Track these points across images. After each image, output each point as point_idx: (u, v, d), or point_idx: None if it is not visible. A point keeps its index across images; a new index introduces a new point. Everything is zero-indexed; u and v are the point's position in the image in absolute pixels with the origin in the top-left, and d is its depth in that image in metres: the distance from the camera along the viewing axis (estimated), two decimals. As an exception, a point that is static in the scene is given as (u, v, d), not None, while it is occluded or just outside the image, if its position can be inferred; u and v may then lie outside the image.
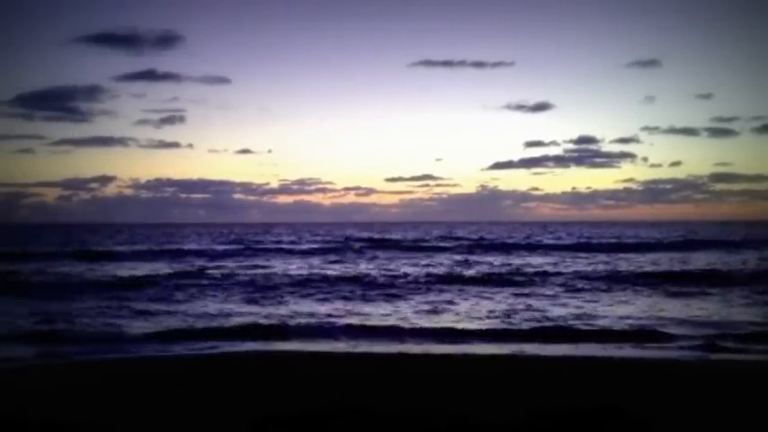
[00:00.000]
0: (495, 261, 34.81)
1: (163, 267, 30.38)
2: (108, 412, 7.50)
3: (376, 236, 68.23)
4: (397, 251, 44.02)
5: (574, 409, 6.75)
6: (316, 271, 28.71)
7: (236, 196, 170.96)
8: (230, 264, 32.76)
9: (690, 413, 7.52)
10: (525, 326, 15.16)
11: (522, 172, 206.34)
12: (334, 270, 29.48)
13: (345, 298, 20.17)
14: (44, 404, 7.83)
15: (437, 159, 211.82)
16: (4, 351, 12.39)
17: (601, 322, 15.65)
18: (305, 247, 48.74)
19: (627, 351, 12.54)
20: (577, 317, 16.29)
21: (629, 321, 15.61)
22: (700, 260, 34.15)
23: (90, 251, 40.27)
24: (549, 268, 29.54)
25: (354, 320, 15.83)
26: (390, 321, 15.82)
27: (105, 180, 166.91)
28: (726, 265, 30.63)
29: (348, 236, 67.22)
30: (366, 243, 52.21)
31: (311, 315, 16.65)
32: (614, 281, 24.31)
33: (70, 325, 15.10)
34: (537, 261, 34.44)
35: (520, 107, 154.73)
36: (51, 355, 12.10)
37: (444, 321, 15.88)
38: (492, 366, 10.73)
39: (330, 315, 16.69)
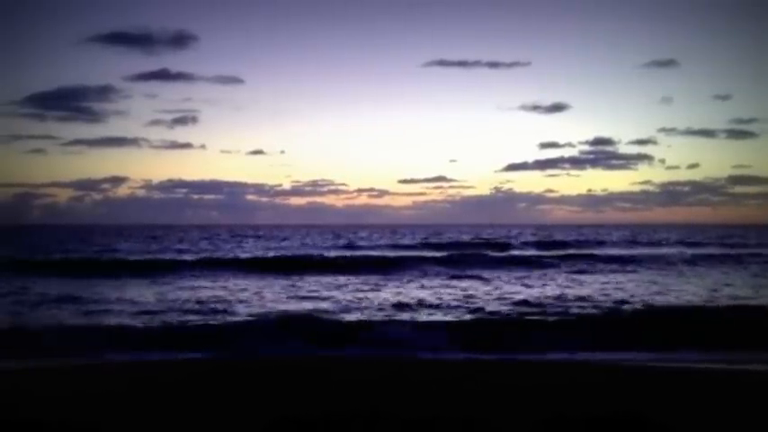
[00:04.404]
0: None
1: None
2: (116, 415, 7.52)
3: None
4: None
5: (592, 416, 6.62)
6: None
7: (249, 197, 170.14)
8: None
9: (714, 422, 7.34)
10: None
11: (537, 174, 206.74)
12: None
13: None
14: (58, 407, 7.81)
15: (451, 161, 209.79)
16: (15, 354, 12.53)
17: None
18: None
19: (648, 357, 12.41)
20: None
21: None
22: None
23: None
24: None
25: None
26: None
27: (117, 181, 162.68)
28: None
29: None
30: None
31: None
32: None
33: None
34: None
35: (535, 108, 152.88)
36: (65, 357, 12.21)
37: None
38: (507, 372, 10.64)
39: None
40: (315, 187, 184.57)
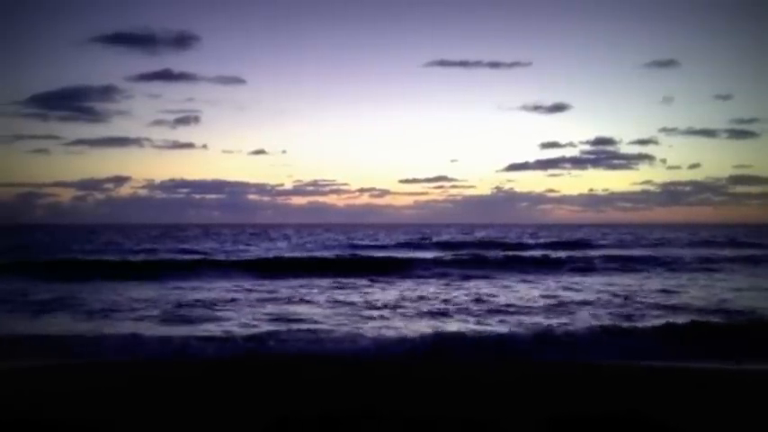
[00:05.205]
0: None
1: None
2: (119, 414, 7.49)
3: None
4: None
5: (593, 416, 6.64)
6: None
7: (251, 197, 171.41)
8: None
9: (714, 422, 7.34)
10: None
11: (539, 173, 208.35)
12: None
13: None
14: (59, 406, 7.79)
15: (452, 160, 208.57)
16: (19, 352, 12.24)
17: None
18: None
19: (649, 357, 12.14)
20: None
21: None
22: None
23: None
24: None
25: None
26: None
27: (120, 180, 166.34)
28: None
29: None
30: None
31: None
32: None
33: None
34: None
35: (536, 108, 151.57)
36: (66, 356, 11.98)
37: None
38: (510, 372, 10.52)
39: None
40: (316, 187, 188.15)
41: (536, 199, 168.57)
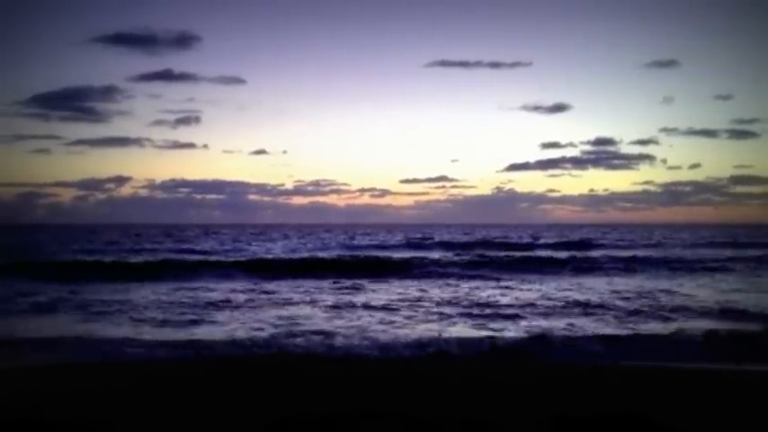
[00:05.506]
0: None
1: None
2: (120, 414, 7.47)
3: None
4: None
5: (595, 416, 6.63)
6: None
7: (251, 197, 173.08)
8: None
9: (717, 422, 7.31)
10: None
11: (539, 174, 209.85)
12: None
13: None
14: (59, 405, 7.77)
15: (452, 161, 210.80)
16: (19, 352, 12.21)
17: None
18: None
19: (652, 358, 12.07)
20: None
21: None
22: None
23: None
24: None
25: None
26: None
27: (121, 180, 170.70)
28: None
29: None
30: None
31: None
32: None
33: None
34: None
35: (537, 108, 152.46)
36: (66, 356, 11.95)
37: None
38: (512, 372, 10.48)
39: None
40: (317, 187, 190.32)
41: (536, 199, 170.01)
